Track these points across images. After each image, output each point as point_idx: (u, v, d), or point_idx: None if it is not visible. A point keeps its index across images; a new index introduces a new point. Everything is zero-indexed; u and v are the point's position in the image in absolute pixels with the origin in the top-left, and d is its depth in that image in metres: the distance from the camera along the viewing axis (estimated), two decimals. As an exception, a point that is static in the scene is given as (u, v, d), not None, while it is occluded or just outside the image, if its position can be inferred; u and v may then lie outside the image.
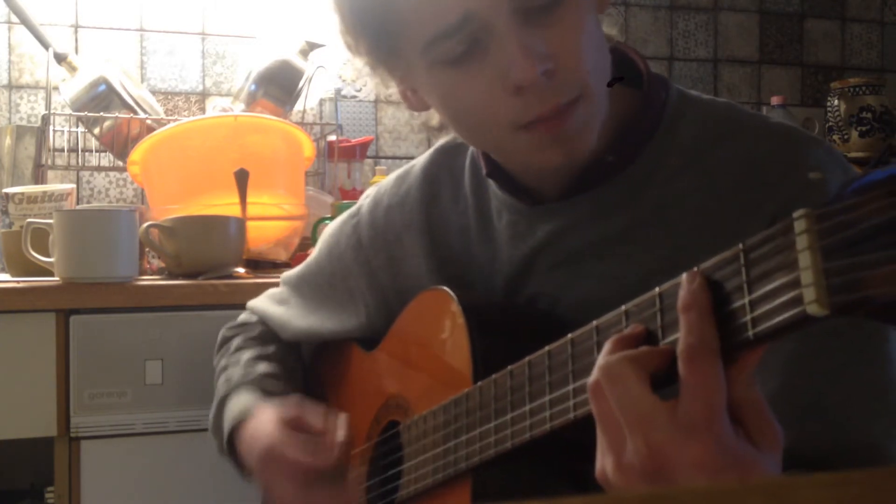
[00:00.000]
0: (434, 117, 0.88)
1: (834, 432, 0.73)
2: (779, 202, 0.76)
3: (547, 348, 0.69)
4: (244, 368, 1.09)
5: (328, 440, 0.93)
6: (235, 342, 1.15)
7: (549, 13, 0.75)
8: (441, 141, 1.02)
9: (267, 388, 1.06)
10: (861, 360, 0.74)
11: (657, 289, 0.59)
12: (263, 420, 0.99)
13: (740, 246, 0.53)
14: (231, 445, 1.04)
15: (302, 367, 1.16)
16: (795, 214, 0.49)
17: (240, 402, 1.04)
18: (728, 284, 0.54)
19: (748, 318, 0.52)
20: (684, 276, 0.57)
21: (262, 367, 1.08)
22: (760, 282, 0.51)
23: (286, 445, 0.94)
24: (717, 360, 0.54)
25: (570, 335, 0.66)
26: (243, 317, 1.21)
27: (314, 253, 1.14)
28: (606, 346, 0.60)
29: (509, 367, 0.72)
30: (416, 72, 0.81)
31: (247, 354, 1.11)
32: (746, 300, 0.52)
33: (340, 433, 0.92)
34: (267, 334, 1.15)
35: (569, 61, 0.76)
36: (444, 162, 0.99)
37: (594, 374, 0.59)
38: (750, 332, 0.52)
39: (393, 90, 0.88)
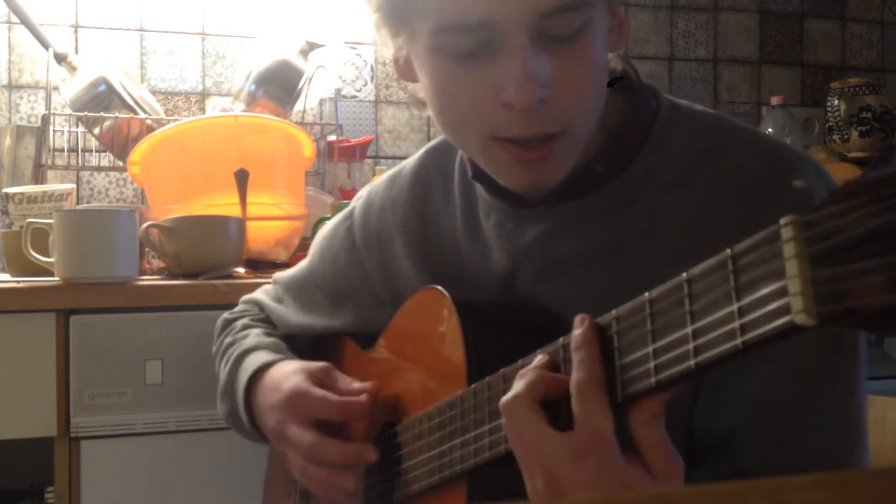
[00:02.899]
0: (421, 91, 0.87)
1: (791, 458, 0.75)
2: (769, 222, 0.77)
3: (538, 352, 0.69)
4: (256, 338, 1.09)
5: (356, 390, 0.95)
6: (241, 322, 1.15)
7: (565, 43, 0.76)
8: (431, 143, 1.02)
9: (284, 352, 1.06)
10: (826, 388, 0.76)
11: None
12: (291, 369, 0.99)
13: (729, 252, 0.53)
14: (247, 396, 1.03)
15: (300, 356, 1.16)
16: (782, 221, 0.48)
17: (260, 356, 1.04)
18: (716, 292, 0.53)
19: (737, 324, 0.52)
20: (576, 318, 0.64)
21: (274, 339, 1.09)
22: (748, 290, 0.51)
23: (314, 389, 0.95)
24: (602, 394, 0.61)
25: (561, 339, 0.67)
26: (241, 307, 1.21)
27: (307, 257, 1.14)
28: (517, 381, 0.67)
29: (502, 370, 0.72)
30: (418, 45, 0.81)
31: (256, 330, 1.12)
32: (735, 307, 0.52)
33: (367, 387, 0.95)
34: (270, 320, 1.16)
35: (567, 95, 0.76)
36: (434, 163, 0.99)
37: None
38: (739, 340, 0.52)
39: (390, 55, 0.87)
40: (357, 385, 0.96)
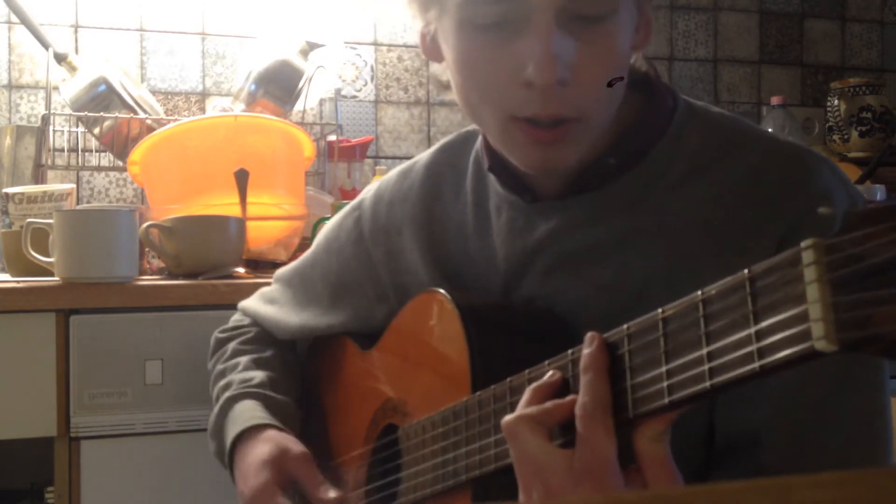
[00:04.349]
0: (445, 73, 0.88)
1: (813, 459, 0.75)
2: (786, 222, 0.76)
3: (547, 363, 0.69)
4: (243, 374, 1.08)
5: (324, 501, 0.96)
6: (231, 346, 1.14)
7: (590, 27, 0.76)
8: (445, 139, 1.02)
9: (268, 395, 1.06)
10: (849, 388, 0.75)
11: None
12: (261, 456, 0.99)
13: (746, 273, 0.52)
14: (231, 455, 1.03)
15: (299, 364, 1.16)
16: (804, 244, 0.47)
17: (243, 412, 1.04)
18: (733, 314, 0.53)
19: (754, 347, 0.51)
20: (586, 336, 0.64)
21: (261, 375, 1.08)
22: (766, 313, 0.50)
23: (277, 500, 0.96)
24: (607, 418, 0.62)
25: (570, 352, 0.67)
26: (236, 318, 1.20)
27: (311, 248, 1.13)
28: (526, 395, 0.67)
29: (509, 380, 0.72)
30: (446, 20, 0.81)
31: (244, 359, 1.11)
32: (753, 330, 0.51)
33: (333, 501, 0.96)
34: (262, 336, 1.15)
35: (587, 81, 0.77)
36: (448, 159, 0.99)
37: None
38: (756, 364, 0.51)
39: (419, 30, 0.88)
40: (324, 496, 0.96)
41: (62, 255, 1.33)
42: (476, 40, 0.78)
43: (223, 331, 1.19)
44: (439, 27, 0.83)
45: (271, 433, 1.01)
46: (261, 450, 1.00)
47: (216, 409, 1.08)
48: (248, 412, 1.03)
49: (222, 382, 1.10)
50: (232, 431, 1.03)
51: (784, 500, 0.31)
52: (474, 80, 0.80)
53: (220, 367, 1.13)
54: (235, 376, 1.09)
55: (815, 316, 0.46)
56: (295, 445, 0.99)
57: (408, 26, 2.20)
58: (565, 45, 0.75)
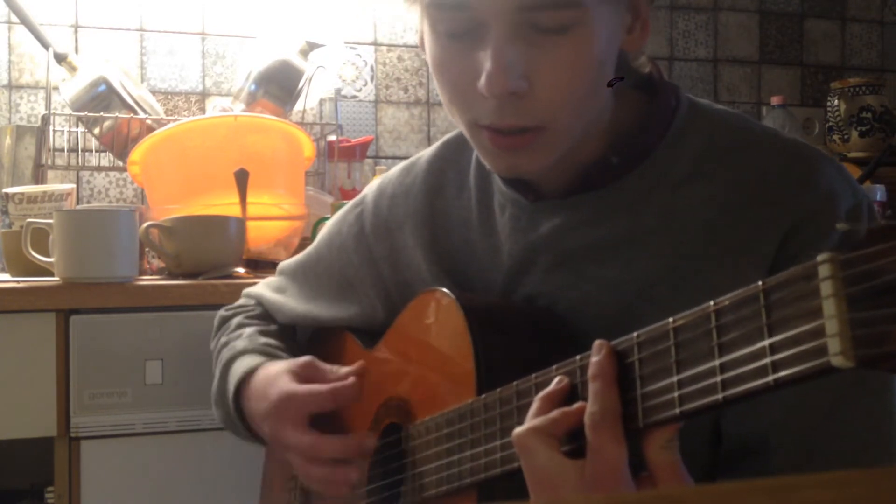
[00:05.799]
0: None
1: (823, 464, 0.74)
2: (791, 221, 0.76)
3: (554, 368, 0.68)
4: (248, 339, 1.08)
5: (343, 375, 0.95)
6: (236, 320, 1.14)
7: (552, 36, 0.75)
8: (448, 135, 1.02)
9: (273, 354, 1.05)
10: (859, 392, 0.75)
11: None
12: (274, 372, 0.99)
13: (760, 285, 0.52)
14: (237, 405, 1.03)
15: (300, 350, 1.16)
16: (819, 258, 0.47)
17: (245, 362, 1.04)
18: (746, 326, 0.53)
19: (768, 360, 0.51)
20: (595, 344, 0.63)
21: (266, 339, 1.08)
22: (781, 326, 0.50)
23: (301, 390, 0.94)
24: (617, 426, 0.61)
25: (578, 358, 0.66)
26: (241, 301, 1.20)
27: (314, 243, 1.13)
28: (535, 404, 0.66)
29: (515, 384, 0.72)
30: (424, 21, 0.82)
31: (249, 329, 1.11)
32: (767, 343, 0.51)
33: (354, 370, 0.95)
34: (266, 315, 1.15)
35: (543, 90, 0.76)
36: (451, 155, 0.99)
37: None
38: (770, 378, 0.51)
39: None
40: (344, 370, 0.96)
41: (62, 255, 1.33)
42: (444, 45, 0.79)
43: (227, 309, 1.19)
44: (423, 26, 0.84)
45: (271, 363, 1.01)
46: (267, 372, 0.99)
47: (217, 373, 1.07)
48: (250, 362, 1.03)
49: (226, 350, 1.09)
50: (235, 377, 1.02)
51: (785, 500, 0.31)
52: (444, 85, 0.81)
53: (223, 339, 1.12)
54: (239, 342, 1.08)
55: (831, 331, 0.46)
56: (297, 359, 1.00)
57: (408, 26, 2.20)
58: (518, 55, 0.74)
